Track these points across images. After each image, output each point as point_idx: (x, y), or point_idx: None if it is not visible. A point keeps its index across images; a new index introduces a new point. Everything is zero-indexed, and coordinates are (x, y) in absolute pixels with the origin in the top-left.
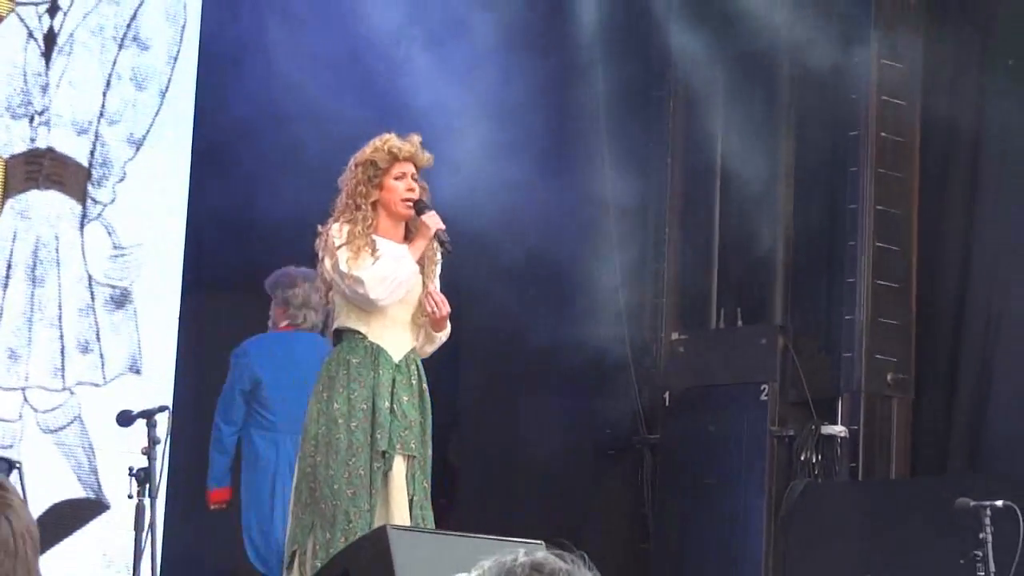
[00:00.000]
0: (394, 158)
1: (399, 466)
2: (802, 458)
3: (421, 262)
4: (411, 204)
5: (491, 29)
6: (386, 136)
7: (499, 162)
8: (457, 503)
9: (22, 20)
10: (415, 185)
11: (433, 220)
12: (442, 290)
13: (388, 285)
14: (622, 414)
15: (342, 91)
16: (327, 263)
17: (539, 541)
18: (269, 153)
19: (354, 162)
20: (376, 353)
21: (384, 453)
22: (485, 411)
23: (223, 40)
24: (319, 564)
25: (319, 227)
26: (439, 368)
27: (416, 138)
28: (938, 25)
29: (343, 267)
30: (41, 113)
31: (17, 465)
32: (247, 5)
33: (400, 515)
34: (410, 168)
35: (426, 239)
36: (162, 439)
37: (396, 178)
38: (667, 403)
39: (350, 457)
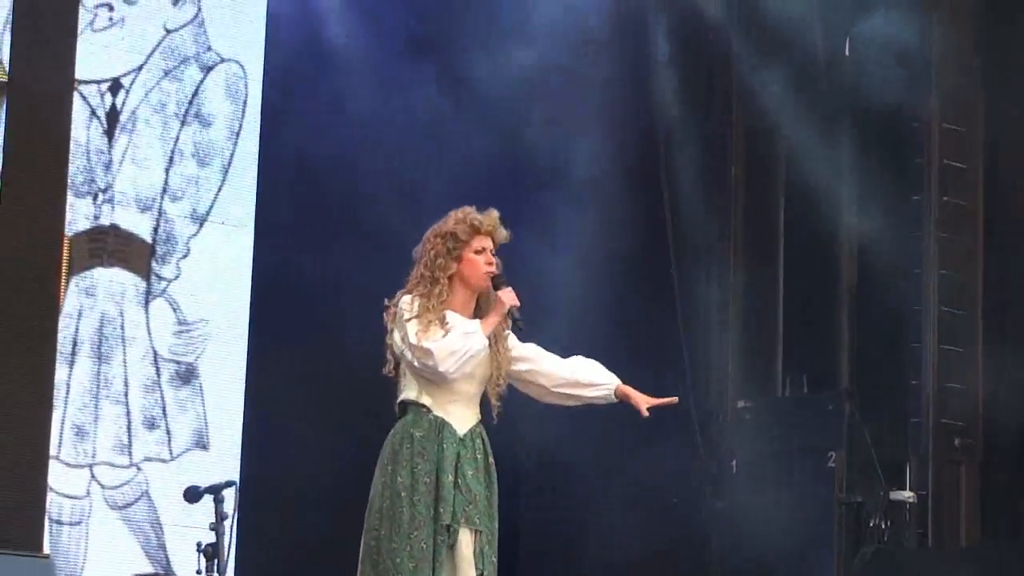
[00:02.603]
0: (475, 231)
1: (466, 540)
2: (871, 524)
3: (491, 338)
4: (491, 277)
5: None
6: (467, 209)
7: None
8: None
9: (84, 98)
10: (494, 260)
11: (509, 296)
12: None
13: (458, 358)
14: (689, 482)
15: (408, 163)
16: (396, 335)
17: None
18: (332, 225)
19: (433, 234)
20: (441, 427)
21: (448, 527)
22: (547, 478)
23: (284, 114)
24: None
25: (386, 300)
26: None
27: (495, 213)
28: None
29: (412, 339)
30: (104, 191)
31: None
32: (308, 79)
33: None
34: (489, 243)
35: (500, 316)
36: (229, 514)
37: (476, 251)
38: (734, 471)
39: (412, 530)
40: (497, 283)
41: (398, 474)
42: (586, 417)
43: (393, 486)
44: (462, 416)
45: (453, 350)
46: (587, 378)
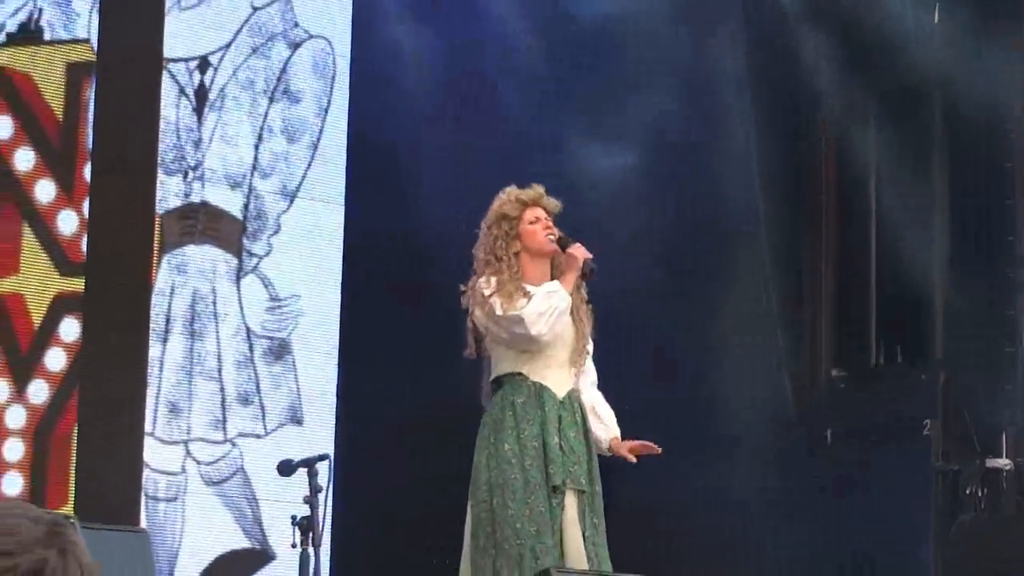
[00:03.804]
0: (523, 204)
1: (571, 501)
2: (967, 492)
3: (572, 307)
4: (555, 239)
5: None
6: (507, 189)
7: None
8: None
9: (173, 77)
10: (552, 226)
11: (580, 251)
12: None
13: (547, 318)
14: (783, 452)
15: (495, 133)
16: (479, 314)
17: None
18: (423, 198)
19: (486, 225)
20: (540, 391)
21: (557, 488)
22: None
23: (372, 88)
24: None
25: (461, 286)
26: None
27: (539, 186)
28: None
29: (499, 311)
30: (195, 168)
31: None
32: (395, 54)
33: (575, 552)
34: (541, 212)
35: (575, 271)
36: (323, 487)
37: (530, 223)
38: (829, 440)
39: (528, 495)
40: (563, 243)
41: (504, 442)
42: (675, 387)
43: (500, 455)
44: (559, 380)
45: (541, 311)
46: (603, 412)
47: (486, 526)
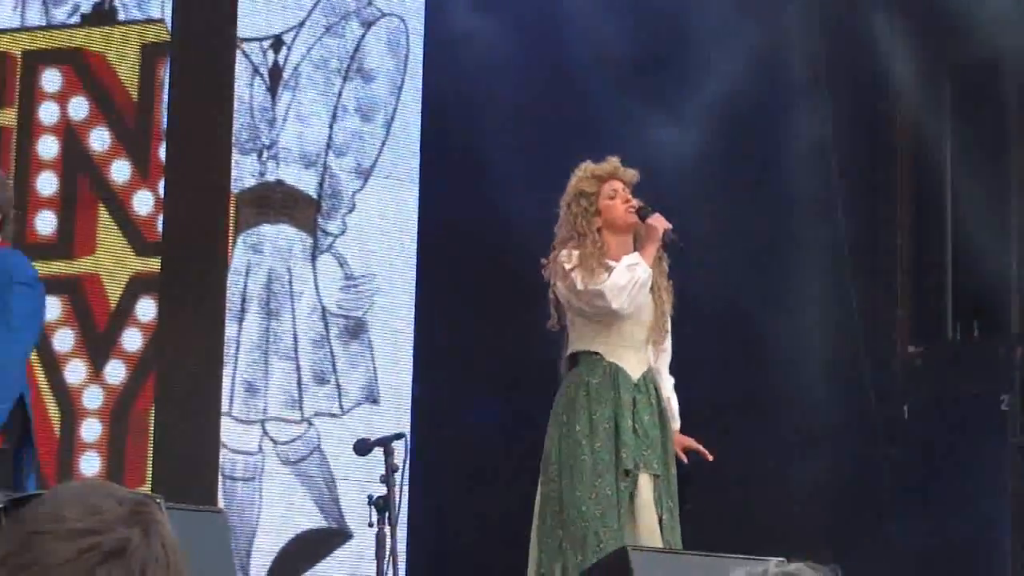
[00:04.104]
0: (600, 180)
1: (645, 485)
2: None
3: (653, 284)
4: (634, 210)
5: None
6: (583, 165)
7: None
8: (695, 524)
9: (247, 56)
10: (631, 198)
11: (659, 221)
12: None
13: (628, 292)
14: (860, 428)
15: (567, 110)
16: (560, 286)
17: (781, 558)
18: (496, 177)
19: (565, 203)
20: (615, 373)
21: (628, 472)
22: (718, 427)
23: (446, 66)
24: None
25: (542, 260)
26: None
27: (613, 158)
28: None
29: (579, 285)
30: (269, 147)
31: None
32: (469, 32)
33: (649, 536)
34: (619, 184)
35: (655, 242)
36: (400, 466)
37: (609, 197)
38: (906, 416)
39: (595, 478)
40: (643, 214)
41: (576, 422)
42: (749, 366)
43: (571, 435)
44: (635, 361)
45: (621, 285)
46: (672, 402)
47: (554, 504)
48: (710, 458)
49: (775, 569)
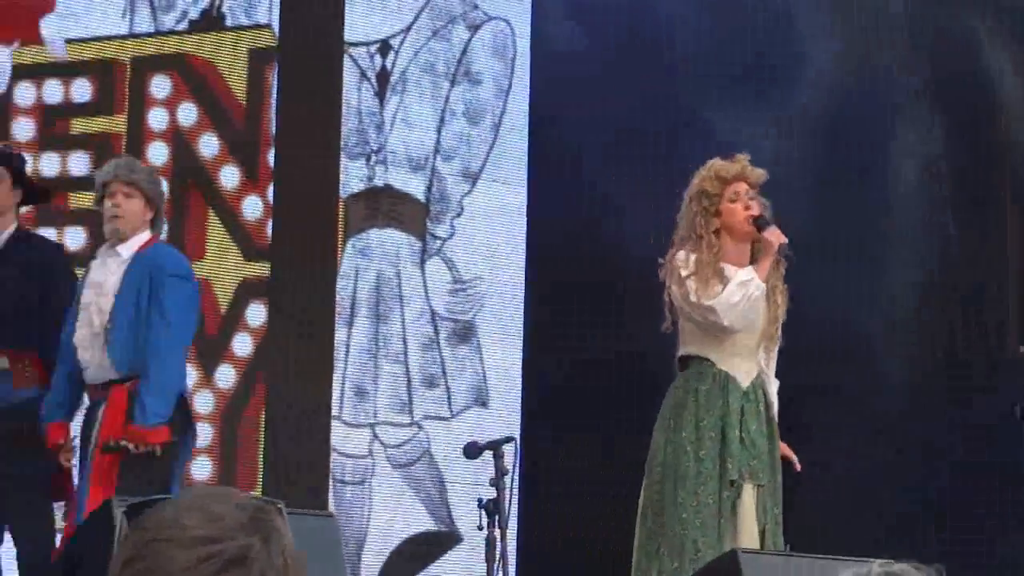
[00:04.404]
0: (723, 181)
1: (748, 495)
2: None
3: (768, 290)
4: (753, 220)
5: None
6: (710, 163)
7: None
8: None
9: (355, 61)
10: (752, 203)
11: (775, 235)
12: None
13: (740, 309)
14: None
15: (670, 112)
16: (675, 290)
17: (887, 560)
18: (606, 179)
19: (687, 196)
20: (725, 380)
21: (733, 483)
22: (832, 426)
23: (552, 69)
24: None
25: (659, 260)
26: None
27: (743, 157)
28: None
29: (692, 297)
30: (377, 151)
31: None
32: (574, 35)
33: (750, 545)
34: (743, 187)
35: (770, 256)
36: (509, 470)
37: (731, 200)
38: (1018, 415)
39: (698, 486)
40: (760, 224)
41: (682, 429)
42: (853, 365)
43: (677, 441)
44: (745, 369)
45: (733, 303)
46: (774, 405)
47: (655, 507)
48: (798, 468)
49: (879, 569)
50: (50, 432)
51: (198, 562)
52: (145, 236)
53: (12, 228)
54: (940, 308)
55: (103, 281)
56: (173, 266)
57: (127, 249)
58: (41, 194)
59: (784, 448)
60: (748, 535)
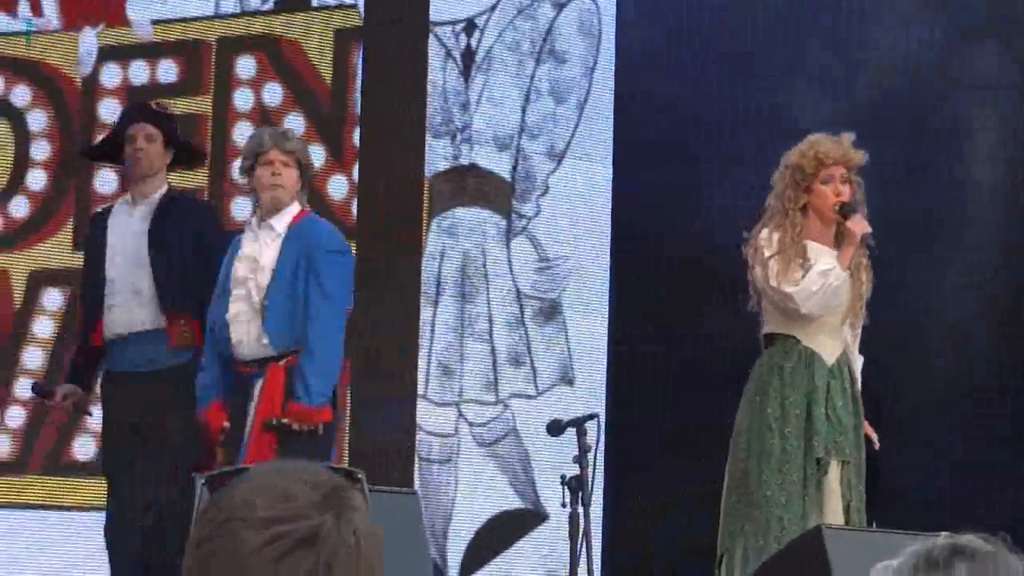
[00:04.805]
0: (821, 163)
1: (834, 472)
2: None
3: (852, 267)
4: (839, 208)
5: None
6: (814, 139)
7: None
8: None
9: (440, 40)
10: (843, 188)
11: (859, 225)
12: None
13: (819, 298)
14: None
15: (756, 92)
16: (758, 272)
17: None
18: (691, 157)
19: (784, 163)
20: (810, 357)
21: (819, 460)
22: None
23: (638, 47)
24: (749, 570)
25: (744, 233)
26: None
27: (847, 138)
28: None
29: (773, 282)
30: (462, 130)
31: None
32: (660, 12)
33: (835, 522)
34: (839, 171)
35: (853, 246)
36: (592, 447)
37: (824, 182)
38: None
39: (783, 463)
40: (845, 212)
41: (767, 406)
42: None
43: (762, 418)
44: (831, 345)
45: (812, 291)
46: (858, 382)
47: (740, 486)
48: (877, 445)
49: (944, 541)
50: (211, 416)
51: (267, 543)
52: (296, 208)
53: (164, 189)
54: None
55: (258, 255)
56: (332, 241)
57: (280, 222)
58: (194, 156)
59: (865, 425)
60: (833, 511)
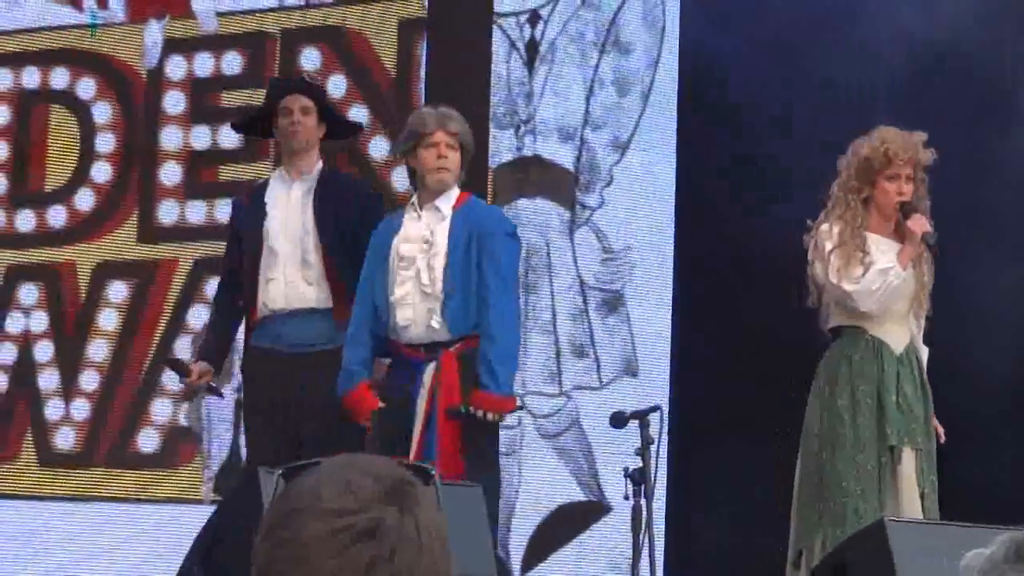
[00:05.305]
0: (890, 161)
1: (908, 460)
2: None
3: (915, 262)
4: (899, 206)
5: None
6: (884, 131)
7: None
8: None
9: (504, 31)
10: (907, 188)
11: (919, 224)
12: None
13: (878, 297)
14: None
15: (816, 84)
16: (818, 267)
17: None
18: (753, 149)
19: (852, 152)
20: (878, 347)
21: (892, 448)
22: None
23: (703, 39)
24: None
25: (808, 221)
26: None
27: (918, 137)
28: None
29: (833, 278)
30: (526, 122)
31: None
32: (723, 5)
33: (911, 510)
34: (906, 169)
35: (913, 246)
36: (655, 439)
37: (890, 179)
38: None
39: (856, 453)
40: (906, 211)
41: (838, 396)
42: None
43: (833, 409)
44: (898, 334)
45: (872, 290)
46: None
47: (813, 478)
48: (942, 439)
49: (1010, 536)
50: (362, 397)
51: (331, 534)
52: (457, 191)
53: (320, 164)
54: None
55: (427, 237)
56: (506, 225)
57: (446, 204)
58: (349, 129)
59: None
60: (909, 500)
